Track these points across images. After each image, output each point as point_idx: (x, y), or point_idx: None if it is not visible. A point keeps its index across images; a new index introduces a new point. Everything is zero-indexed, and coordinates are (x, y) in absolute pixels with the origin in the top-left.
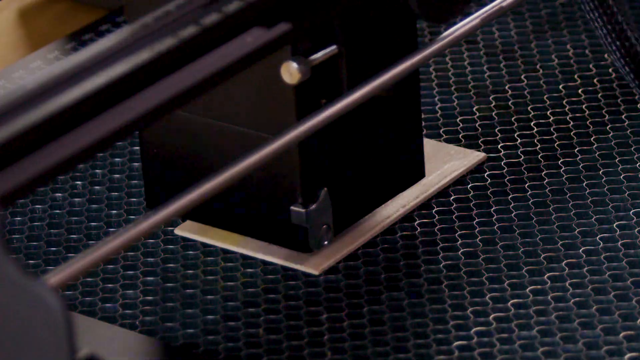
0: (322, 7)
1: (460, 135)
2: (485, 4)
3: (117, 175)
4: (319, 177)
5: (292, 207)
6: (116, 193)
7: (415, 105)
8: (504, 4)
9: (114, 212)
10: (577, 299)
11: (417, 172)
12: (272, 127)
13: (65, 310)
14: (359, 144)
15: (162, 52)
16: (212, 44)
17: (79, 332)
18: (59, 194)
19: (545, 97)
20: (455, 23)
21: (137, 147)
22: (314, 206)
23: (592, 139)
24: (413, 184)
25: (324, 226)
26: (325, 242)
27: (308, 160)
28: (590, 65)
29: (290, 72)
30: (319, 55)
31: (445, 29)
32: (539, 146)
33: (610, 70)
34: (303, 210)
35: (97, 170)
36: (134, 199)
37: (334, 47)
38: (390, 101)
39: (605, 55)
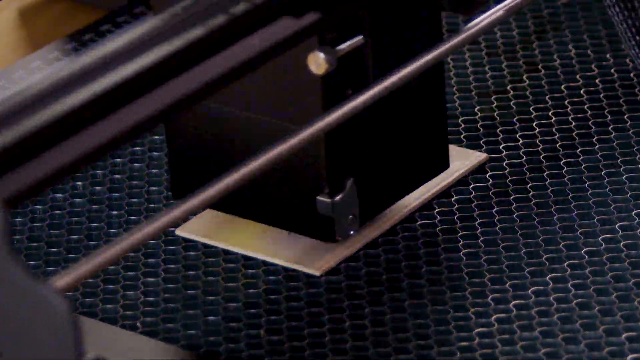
0: None
1: (462, 136)
2: None
3: (118, 176)
4: (345, 167)
5: (318, 197)
6: (117, 194)
7: (440, 96)
8: None
9: (115, 212)
10: (579, 299)
11: (441, 162)
12: (298, 118)
13: (72, 314)
14: (385, 134)
15: (189, 43)
16: (239, 34)
17: (84, 336)
18: (60, 195)
19: (547, 97)
20: (480, 14)
21: (139, 148)
22: (340, 196)
23: (594, 139)
24: (438, 174)
25: (350, 216)
26: (352, 232)
27: (334, 150)
28: (592, 66)
29: (318, 62)
30: (346, 45)
31: (470, 20)
32: (541, 147)
33: (612, 70)
34: (329, 200)
35: (98, 171)
36: (135, 200)
37: (360, 37)
38: (416, 91)
39: (608, 55)
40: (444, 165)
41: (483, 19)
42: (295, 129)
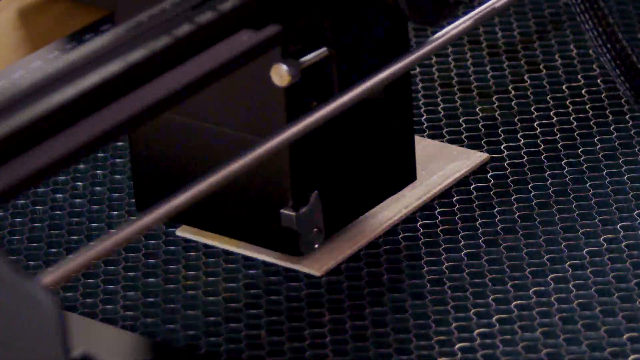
0: (313, 8)
1: (463, 136)
2: (479, 5)
3: (119, 176)
4: (310, 180)
5: (282, 210)
6: (117, 194)
7: (407, 107)
8: (497, 4)
9: (115, 213)
10: (581, 300)
11: (408, 175)
12: (262, 130)
13: (59, 310)
14: (350, 147)
15: (151, 54)
16: (202, 45)
17: (80, 334)
18: (60, 195)
19: (548, 97)
20: (448, 24)
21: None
22: (304, 209)
23: (595, 139)
24: (404, 187)
25: (315, 229)
26: (316, 245)
27: (299, 162)
28: (594, 65)
29: (280, 74)
30: (310, 57)
31: (438, 30)
32: (542, 146)
33: (607, 68)
34: (293, 214)
35: (98, 171)
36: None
37: (324, 49)
38: (382, 103)
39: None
40: (411, 177)
41: (451, 30)
42: (259, 141)
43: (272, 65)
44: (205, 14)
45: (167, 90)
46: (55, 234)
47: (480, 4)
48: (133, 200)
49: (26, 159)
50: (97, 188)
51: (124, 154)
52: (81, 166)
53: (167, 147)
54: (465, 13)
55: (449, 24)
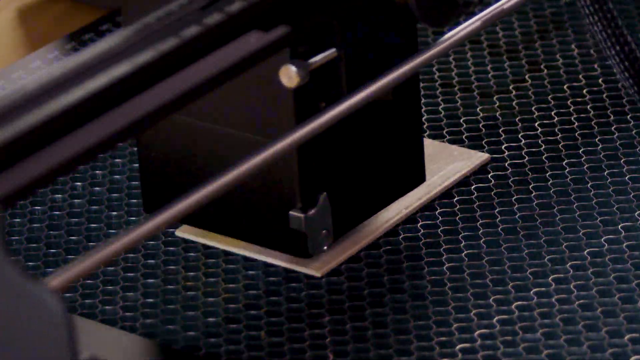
0: (322, 10)
1: (463, 136)
2: (487, 6)
3: (118, 177)
4: (318, 182)
5: (290, 212)
6: (116, 194)
7: (416, 109)
8: (506, 6)
9: (114, 213)
10: (582, 301)
11: (417, 176)
12: (271, 131)
13: (66, 313)
14: (359, 148)
15: (159, 55)
16: (211, 46)
17: (79, 335)
18: (59, 195)
19: (549, 97)
20: (456, 25)
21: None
22: (313, 211)
23: (596, 139)
24: (413, 189)
25: (324, 231)
26: (325, 247)
27: (307, 164)
28: (595, 65)
29: (289, 75)
30: (318, 58)
31: (446, 32)
32: (543, 147)
33: (615, 70)
34: (302, 215)
35: (98, 172)
36: (134, 200)
37: (333, 50)
38: (390, 105)
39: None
40: (420, 179)
41: (460, 30)
42: (267, 143)
43: (281, 66)
44: (213, 16)
45: (176, 92)
46: (54, 235)
47: (488, 5)
48: (132, 200)
49: (33, 161)
50: (96, 188)
51: (123, 154)
52: (80, 167)
53: (176, 149)
54: (473, 14)
55: (458, 25)
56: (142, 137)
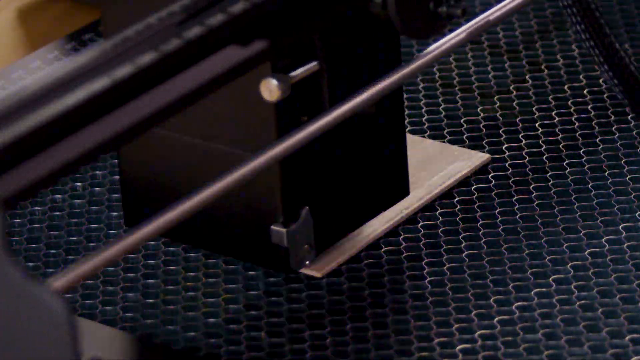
0: (302, 23)
1: (464, 136)
2: (473, 17)
3: (118, 177)
4: (301, 196)
5: (272, 227)
6: (116, 195)
7: (399, 122)
8: (491, 17)
9: (114, 214)
10: (583, 301)
11: (401, 190)
12: (252, 145)
13: (69, 315)
14: (342, 162)
15: (138, 69)
16: (190, 60)
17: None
18: (59, 196)
19: (550, 97)
20: (442, 37)
21: None
22: (294, 225)
23: (597, 140)
24: (396, 202)
25: (306, 246)
26: (307, 262)
27: (289, 178)
28: (596, 66)
29: (270, 89)
30: (299, 71)
31: (431, 44)
32: (543, 147)
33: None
34: (284, 230)
35: (98, 172)
36: None
37: (314, 63)
38: (373, 118)
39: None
40: (404, 192)
41: (445, 42)
42: (249, 157)
43: (262, 80)
44: (192, 29)
45: (156, 105)
46: (54, 235)
47: (474, 17)
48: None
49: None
50: (97, 189)
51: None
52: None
53: (157, 162)
54: (459, 26)
55: (443, 36)
56: (123, 151)
